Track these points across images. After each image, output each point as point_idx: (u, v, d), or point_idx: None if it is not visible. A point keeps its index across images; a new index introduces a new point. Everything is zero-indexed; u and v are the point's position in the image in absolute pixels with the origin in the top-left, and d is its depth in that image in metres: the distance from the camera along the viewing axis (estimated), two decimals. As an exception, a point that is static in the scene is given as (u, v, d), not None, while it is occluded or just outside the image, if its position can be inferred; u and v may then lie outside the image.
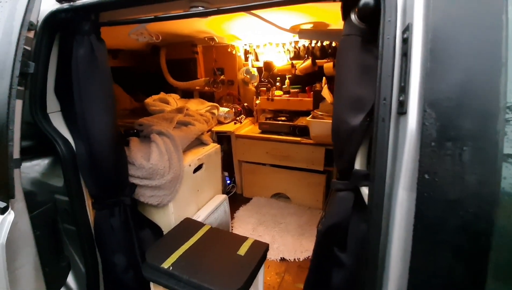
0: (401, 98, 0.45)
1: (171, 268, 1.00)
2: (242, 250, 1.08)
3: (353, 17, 0.60)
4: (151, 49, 2.45)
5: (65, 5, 0.90)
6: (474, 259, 0.39)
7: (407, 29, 0.44)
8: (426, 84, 0.40)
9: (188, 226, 1.25)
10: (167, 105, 1.97)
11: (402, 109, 0.44)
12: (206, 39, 2.24)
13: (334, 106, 0.65)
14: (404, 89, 0.44)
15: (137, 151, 1.22)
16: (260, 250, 1.08)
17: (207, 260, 1.04)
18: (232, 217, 1.95)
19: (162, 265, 1.01)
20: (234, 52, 2.38)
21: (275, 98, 2.26)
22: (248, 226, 1.84)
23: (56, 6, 0.91)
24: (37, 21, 0.79)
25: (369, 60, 0.57)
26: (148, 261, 1.04)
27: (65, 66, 0.96)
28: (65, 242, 1.05)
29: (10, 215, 0.70)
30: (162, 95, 2.18)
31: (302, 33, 1.36)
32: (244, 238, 1.15)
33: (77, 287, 1.07)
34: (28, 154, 0.99)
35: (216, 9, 0.75)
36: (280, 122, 2.10)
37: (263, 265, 1.15)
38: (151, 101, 2.05)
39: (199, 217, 1.44)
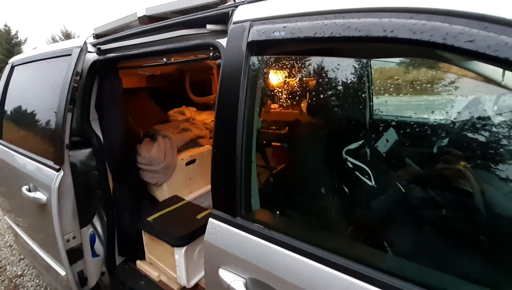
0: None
1: (151, 221, 1.54)
2: (200, 216, 1.56)
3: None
4: (179, 73, 3.13)
5: (101, 57, 1.54)
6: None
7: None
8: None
9: (174, 199, 1.78)
10: (181, 116, 2.58)
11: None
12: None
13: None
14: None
15: (144, 147, 1.82)
16: (211, 216, 1.55)
17: (175, 218, 1.55)
18: (226, 206, 2.43)
19: (147, 219, 1.55)
20: (241, 73, 2.90)
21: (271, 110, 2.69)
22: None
23: (96, 57, 1.56)
24: (82, 70, 1.43)
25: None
26: (141, 217, 1.60)
27: (100, 93, 1.60)
28: (96, 201, 1.67)
29: (61, 173, 1.32)
30: (182, 108, 2.82)
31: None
32: (205, 209, 1.64)
33: (101, 230, 1.68)
34: (78, 146, 1.64)
35: (165, 62, 1.30)
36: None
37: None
38: (172, 113, 2.71)
39: (188, 197, 1.97)
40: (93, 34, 1.64)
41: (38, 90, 1.60)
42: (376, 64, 1.58)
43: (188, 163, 2.01)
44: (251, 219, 0.81)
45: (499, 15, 0.49)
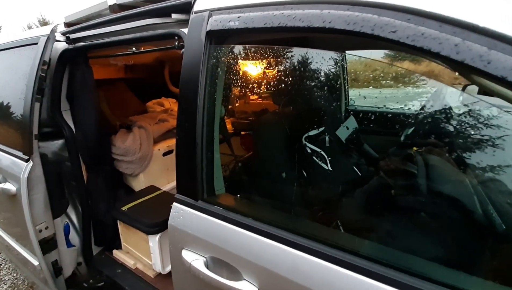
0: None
1: (126, 210, 1.56)
2: (175, 204, 1.59)
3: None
4: (159, 63, 3.09)
5: (70, 46, 1.51)
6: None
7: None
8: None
9: (150, 189, 1.80)
10: (159, 107, 2.57)
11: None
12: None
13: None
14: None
15: (119, 137, 1.81)
16: (186, 205, 1.58)
17: (150, 207, 1.58)
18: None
19: (121, 208, 1.57)
20: (220, 64, 2.90)
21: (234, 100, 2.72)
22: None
23: (65, 46, 1.53)
24: (50, 59, 1.40)
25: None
26: (116, 206, 1.62)
27: (71, 82, 1.58)
28: (70, 192, 1.67)
29: (30, 164, 1.32)
30: (161, 99, 2.81)
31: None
32: (181, 198, 1.66)
33: (76, 221, 1.69)
34: (50, 137, 1.62)
35: (133, 51, 1.31)
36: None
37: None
38: (151, 104, 2.69)
39: (166, 187, 1.99)
40: (64, 22, 1.61)
41: (5, 80, 1.57)
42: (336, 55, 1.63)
43: (165, 154, 2.02)
44: (211, 202, 0.84)
45: (420, 7, 0.54)
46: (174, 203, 0.90)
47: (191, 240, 0.85)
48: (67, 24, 1.60)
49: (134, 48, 1.35)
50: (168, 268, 1.52)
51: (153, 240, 1.45)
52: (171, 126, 2.12)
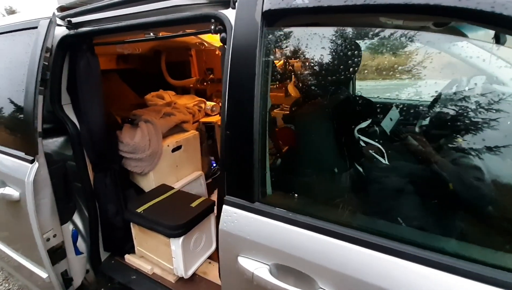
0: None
1: (142, 212, 1.43)
2: (194, 204, 1.49)
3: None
4: (154, 53, 2.90)
5: (71, 32, 1.34)
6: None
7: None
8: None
9: (162, 188, 1.68)
10: (160, 100, 2.42)
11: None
12: (197, 44, 2.66)
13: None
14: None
15: (126, 133, 1.67)
16: (207, 204, 1.49)
17: (168, 208, 1.46)
18: (212, 192, 2.36)
19: (136, 210, 1.45)
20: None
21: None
22: (223, 199, 2.24)
23: (65, 32, 1.36)
24: (52, 45, 1.24)
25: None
26: (128, 208, 1.49)
27: (72, 73, 1.41)
28: (75, 194, 1.52)
29: (35, 165, 1.16)
30: (160, 92, 2.64)
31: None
32: (199, 197, 1.56)
33: (82, 225, 1.54)
34: (50, 134, 1.45)
35: (155, 36, 1.17)
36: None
37: (213, 217, 1.55)
38: (150, 97, 2.52)
39: (176, 185, 1.87)
40: (58, 6, 1.43)
41: (-4, 70, 1.38)
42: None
43: (174, 150, 1.89)
44: (270, 203, 0.76)
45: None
46: (225, 206, 0.81)
47: (249, 246, 0.76)
48: (61, 8, 1.43)
49: (152, 33, 1.21)
50: (190, 272, 1.43)
51: (176, 244, 1.34)
52: (178, 120, 1.99)
